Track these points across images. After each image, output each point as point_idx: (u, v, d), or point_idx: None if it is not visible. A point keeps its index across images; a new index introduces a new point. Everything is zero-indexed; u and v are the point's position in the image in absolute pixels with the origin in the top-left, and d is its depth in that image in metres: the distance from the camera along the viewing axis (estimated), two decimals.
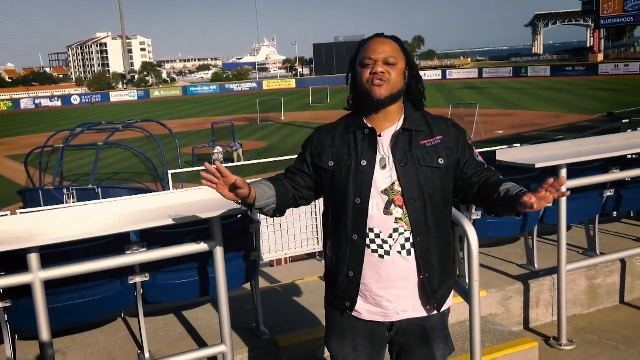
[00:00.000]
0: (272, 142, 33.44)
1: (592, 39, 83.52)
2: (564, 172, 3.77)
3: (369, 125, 2.21)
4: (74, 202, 18.86)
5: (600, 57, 77.53)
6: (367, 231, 2.17)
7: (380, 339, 2.30)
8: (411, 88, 2.25)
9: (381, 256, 2.17)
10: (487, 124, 31.66)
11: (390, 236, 2.16)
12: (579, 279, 4.41)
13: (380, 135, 2.20)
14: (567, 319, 3.98)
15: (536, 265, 4.49)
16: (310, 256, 6.49)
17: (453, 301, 3.93)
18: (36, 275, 2.65)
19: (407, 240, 2.17)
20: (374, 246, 2.17)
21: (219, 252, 3.02)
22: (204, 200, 3.26)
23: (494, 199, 2.20)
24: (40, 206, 18.79)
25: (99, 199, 18.11)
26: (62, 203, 18.26)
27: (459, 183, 2.27)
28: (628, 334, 4.12)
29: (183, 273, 3.26)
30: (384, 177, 2.16)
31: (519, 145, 8.19)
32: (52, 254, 2.80)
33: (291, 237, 6.23)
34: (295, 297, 4.26)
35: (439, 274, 2.23)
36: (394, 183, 2.15)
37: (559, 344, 3.96)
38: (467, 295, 3.10)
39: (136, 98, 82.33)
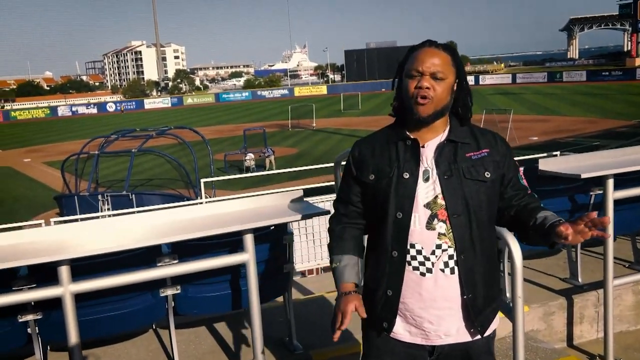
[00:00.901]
0: (303, 149, 33.46)
1: (629, 43, 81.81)
2: (610, 184, 3.60)
3: (412, 136, 2.09)
4: (108, 208, 19.18)
5: (638, 61, 75.83)
6: (408, 247, 2.04)
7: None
8: (458, 102, 2.12)
9: (422, 274, 2.04)
10: (521, 130, 31.17)
11: (433, 252, 2.03)
12: (626, 294, 4.22)
13: (423, 147, 2.08)
14: (613, 335, 3.79)
15: (580, 279, 4.30)
16: None
17: None
18: (66, 289, 2.60)
19: (450, 257, 2.03)
20: (415, 263, 2.04)
21: (251, 264, 2.94)
22: (236, 211, 3.19)
23: (529, 225, 2.07)
24: (76, 212, 19.20)
25: (133, 205, 18.40)
26: (97, 209, 18.60)
27: (499, 203, 2.14)
28: None
29: (215, 285, 3.20)
30: (427, 189, 2.04)
31: (558, 153, 7.99)
32: (83, 266, 2.76)
33: (323, 246, 6.14)
34: (329, 310, 4.15)
35: (484, 295, 2.09)
36: (437, 196, 2.03)
37: None
38: (509, 312, 2.96)
39: (170, 105, 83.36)
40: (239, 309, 3.45)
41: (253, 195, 3.92)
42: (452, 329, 2.08)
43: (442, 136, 2.10)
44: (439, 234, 2.03)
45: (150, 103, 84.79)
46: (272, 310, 4.01)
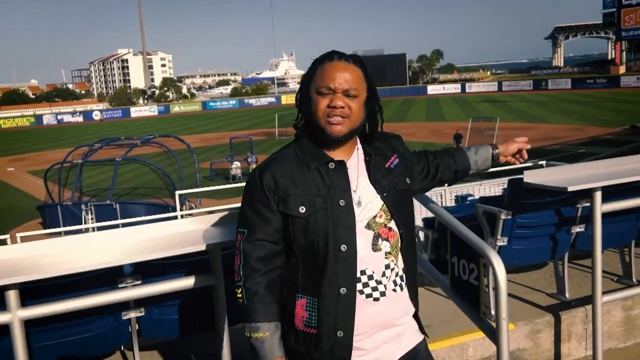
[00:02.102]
0: None
1: (613, 51, 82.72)
2: (598, 196, 3.45)
3: (336, 158, 1.91)
4: (92, 218, 18.91)
5: (622, 69, 76.61)
6: (359, 276, 1.87)
7: None
8: (369, 120, 1.97)
9: (377, 299, 1.90)
10: (508, 137, 30.36)
11: (383, 274, 1.92)
12: (615, 310, 4.07)
13: (347, 167, 1.94)
14: (602, 353, 3.64)
15: (567, 295, 4.15)
16: None
17: (477, 335, 3.65)
18: (15, 315, 2.40)
19: (397, 275, 1.96)
20: (367, 290, 1.89)
21: (219, 286, 2.76)
22: (206, 228, 3.00)
23: (468, 174, 2.37)
24: (59, 221, 18.87)
25: (117, 214, 18.16)
26: (81, 219, 18.32)
27: (424, 183, 2.25)
28: None
29: (182, 307, 2.99)
30: (364, 211, 1.90)
31: (544, 162, 7.88)
32: (37, 289, 2.56)
33: None
34: None
35: (417, 300, 2.09)
36: (375, 216, 1.91)
37: None
38: (493, 334, 2.79)
39: (156, 113, 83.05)
40: (209, 331, 3.26)
41: (228, 210, 3.73)
42: (403, 342, 1.99)
43: (357, 153, 1.98)
44: (386, 253, 1.92)
45: (136, 111, 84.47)
46: (238, 332, 3.82)
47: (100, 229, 11.36)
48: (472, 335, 3.62)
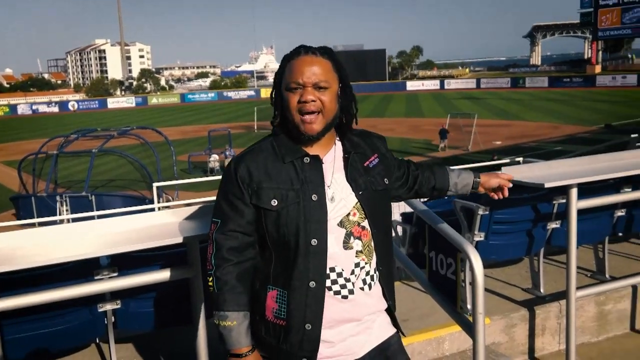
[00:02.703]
0: None
1: (589, 50, 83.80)
2: (574, 193, 3.50)
3: (310, 153, 1.91)
4: (67, 210, 18.65)
5: (598, 68, 77.65)
6: (328, 272, 1.88)
7: None
8: (342, 111, 1.96)
9: (345, 297, 1.91)
10: (485, 134, 31.45)
11: (352, 272, 1.92)
12: (588, 305, 4.13)
13: (323, 163, 1.93)
14: (575, 348, 3.70)
15: (542, 290, 4.21)
16: None
17: (453, 329, 3.68)
18: None
19: (367, 274, 1.95)
20: (336, 287, 1.90)
21: (197, 278, 2.74)
22: (184, 221, 2.98)
23: (446, 193, 2.34)
24: (33, 213, 18.58)
25: (93, 206, 17.93)
26: (55, 210, 18.06)
27: (399, 191, 2.23)
28: None
29: (159, 299, 2.97)
30: (336, 208, 1.90)
31: (520, 159, 7.96)
32: (10, 280, 2.52)
33: None
34: None
35: (392, 297, 2.08)
36: (349, 213, 1.91)
37: None
38: (469, 328, 2.82)
39: (134, 105, 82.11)
40: (185, 324, 3.24)
41: (206, 202, 3.71)
42: (372, 336, 2.00)
43: (334, 149, 1.97)
44: (357, 251, 1.92)
45: (113, 102, 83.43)
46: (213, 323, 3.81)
47: (75, 220, 11.23)
48: (449, 329, 3.65)
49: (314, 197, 1.86)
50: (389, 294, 2.04)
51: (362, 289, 1.93)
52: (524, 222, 3.94)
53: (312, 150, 1.92)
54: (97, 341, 3.56)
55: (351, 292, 1.91)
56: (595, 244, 4.51)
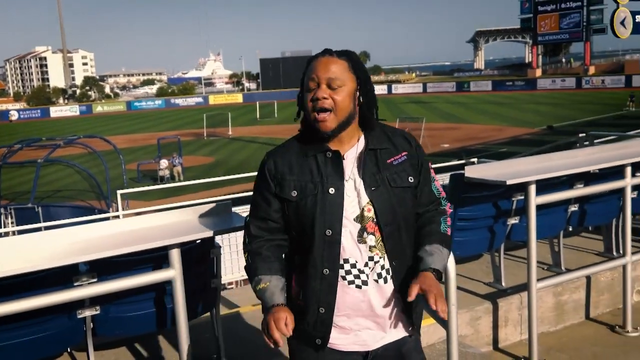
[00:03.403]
0: (219, 158, 32.98)
1: (530, 54, 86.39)
2: (532, 189, 3.69)
3: (332, 148, 2.01)
4: (12, 222, 18.05)
5: (539, 72, 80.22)
6: (342, 263, 2.00)
7: None
8: (361, 110, 2.04)
9: (359, 287, 2.01)
10: (433, 138, 32.08)
11: (366, 265, 2.01)
12: (546, 296, 4.34)
13: (344, 158, 2.02)
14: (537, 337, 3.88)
15: (503, 283, 4.40)
16: None
17: (423, 322, 3.81)
18: None
19: (382, 267, 2.02)
20: (350, 277, 2.01)
21: (178, 281, 2.78)
22: (159, 225, 3.01)
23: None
24: None
25: (39, 218, 17.38)
26: None
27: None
28: (597, 351, 4.06)
29: (138, 304, 2.99)
30: (353, 203, 2.00)
31: (475, 159, 8.22)
32: None
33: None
34: (256, 324, 4.02)
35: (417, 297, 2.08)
36: (363, 208, 2.00)
37: None
38: (442, 321, 2.95)
39: (78, 113, 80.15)
40: (164, 328, 3.27)
41: (177, 207, 3.73)
42: (387, 331, 2.09)
43: (358, 145, 2.05)
44: (370, 246, 2.01)
45: (56, 111, 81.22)
46: (196, 327, 3.83)
47: (20, 232, 10.91)
48: None
49: (331, 191, 1.97)
50: (404, 291, 2.02)
51: (376, 281, 2.01)
52: (485, 219, 4.12)
53: (335, 146, 2.02)
54: (69, 350, 3.54)
55: (365, 283, 2.00)
56: (551, 238, 4.73)
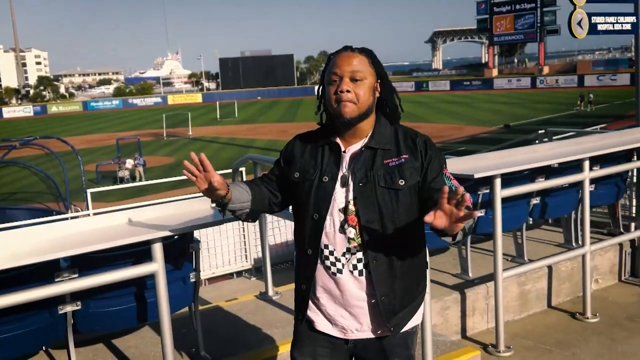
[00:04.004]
0: (180, 158, 32.63)
1: (486, 55, 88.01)
2: (498, 183, 3.85)
3: (336, 141, 2.15)
4: None
5: (495, 72, 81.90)
6: (322, 247, 2.13)
7: (340, 352, 2.23)
8: (386, 103, 2.17)
9: (334, 273, 2.13)
10: None
11: (343, 254, 2.11)
12: (511, 286, 4.52)
13: (345, 152, 2.13)
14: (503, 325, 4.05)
15: (470, 274, 4.56)
16: (239, 274, 6.30)
17: None
18: None
19: (359, 260, 2.10)
20: (327, 262, 2.14)
21: (160, 275, 2.83)
22: (139, 221, 3.05)
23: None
24: None
25: None
26: None
27: (422, 204, 2.11)
28: (559, 337, 4.25)
29: (119, 299, 3.01)
30: (342, 195, 2.10)
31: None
32: None
33: (218, 255, 6.04)
34: (232, 318, 4.09)
35: (401, 297, 2.14)
36: (349, 202, 2.09)
37: (497, 350, 4.01)
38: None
39: (32, 114, 78.26)
40: (144, 323, 3.30)
41: (152, 204, 3.77)
42: (363, 325, 2.16)
43: (364, 141, 2.13)
44: (349, 238, 2.10)
45: (9, 112, 79.13)
46: (173, 322, 3.86)
47: None
48: None
49: (325, 179, 2.12)
50: (383, 289, 2.08)
51: (351, 272, 2.11)
52: None
53: (346, 140, 2.14)
54: (43, 349, 3.53)
55: (340, 271, 2.12)
56: (514, 230, 4.92)
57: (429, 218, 1.78)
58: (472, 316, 4.34)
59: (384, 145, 2.11)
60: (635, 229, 5.39)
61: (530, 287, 4.65)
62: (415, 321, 2.26)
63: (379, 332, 2.16)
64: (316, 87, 2.25)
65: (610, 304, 4.79)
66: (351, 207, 2.08)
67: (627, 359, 3.91)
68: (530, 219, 5.36)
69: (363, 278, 2.10)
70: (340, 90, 2.06)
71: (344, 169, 2.11)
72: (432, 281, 4.47)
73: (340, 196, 2.10)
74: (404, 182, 2.07)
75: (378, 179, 2.07)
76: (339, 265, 2.12)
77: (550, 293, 4.78)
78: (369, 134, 2.13)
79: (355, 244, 2.09)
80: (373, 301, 2.12)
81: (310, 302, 2.21)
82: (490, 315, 4.35)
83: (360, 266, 2.10)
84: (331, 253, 2.12)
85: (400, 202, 2.08)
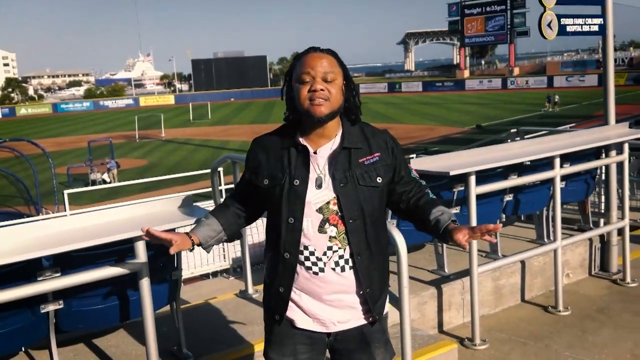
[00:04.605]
0: (153, 160, 32.42)
1: (458, 56, 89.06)
2: (473, 180, 3.95)
3: (303, 143, 2.16)
4: None
5: (467, 73, 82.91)
6: (302, 249, 2.17)
7: (320, 345, 2.28)
8: (349, 102, 2.21)
9: (316, 273, 2.18)
10: None
11: (325, 254, 2.16)
12: (486, 281, 4.62)
13: (315, 153, 2.17)
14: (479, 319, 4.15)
15: (446, 270, 4.65)
16: (215, 275, 6.32)
17: None
18: None
19: (341, 257, 2.17)
20: (308, 263, 2.17)
21: (144, 273, 2.85)
22: (122, 219, 3.07)
23: (424, 225, 2.28)
24: None
25: None
26: None
27: (390, 198, 2.30)
28: (533, 329, 4.37)
29: (102, 298, 3.03)
30: (319, 195, 2.14)
31: (413, 156, 8.55)
32: None
33: (197, 255, 6.05)
34: (213, 317, 4.12)
35: (380, 287, 2.27)
36: (329, 202, 2.14)
37: (473, 344, 4.11)
38: (396, 302, 3.14)
39: (0, 116, 76.84)
40: (127, 321, 3.32)
41: (135, 203, 3.78)
42: (347, 317, 2.23)
43: (334, 142, 2.18)
44: (330, 237, 2.16)
45: None
46: (165, 319, 3.88)
47: None
48: None
49: (296, 182, 2.12)
50: (367, 282, 2.19)
51: (333, 269, 2.16)
52: None
53: (313, 140, 2.16)
54: (24, 349, 3.52)
55: (322, 270, 2.16)
56: None
57: (461, 237, 2.11)
58: (448, 311, 4.44)
59: (356, 144, 2.18)
60: (604, 224, 5.55)
61: (504, 282, 4.76)
62: (387, 306, 2.37)
63: (362, 322, 2.25)
64: (282, 88, 2.24)
65: (581, 298, 4.93)
66: (331, 207, 2.13)
67: (597, 348, 4.04)
68: (504, 215, 5.49)
69: (346, 273, 2.18)
70: (314, 89, 2.09)
71: (318, 170, 2.15)
72: (409, 277, 4.56)
73: (315, 197, 2.13)
74: (381, 180, 2.18)
75: (358, 178, 2.15)
76: (320, 264, 2.16)
77: (524, 287, 4.90)
78: (339, 134, 2.19)
79: (337, 242, 2.15)
80: (357, 294, 2.21)
81: (290, 302, 2.23)
82: (466, 310, 4.45)
83: (342, 262, 2.17)
84: (312, 253, 2.15)
85: (376, 199, 2.19)
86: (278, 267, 2.20)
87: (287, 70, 2.24)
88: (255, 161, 2.24)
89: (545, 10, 4.69)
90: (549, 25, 4.69)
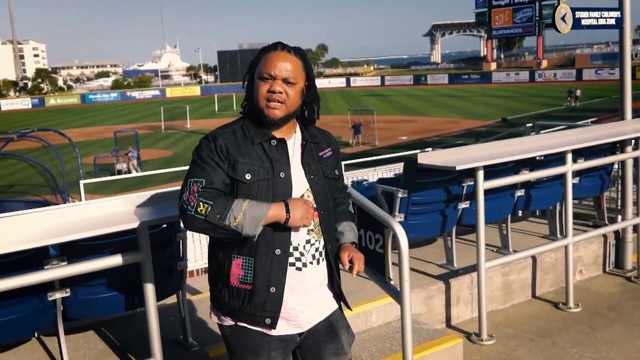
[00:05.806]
0: (177, 151, 32.73)
1: (485, 48, 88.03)
2: (480, 175, 3.93)
3: (277, 135, 2.15)
4: None
5: (493, 65, 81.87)
6: (291, 244, 2.15)
7: (291, 345, 2.27)
8: (307, 106, 2.21)
9: (299, 269, 2.17)
10: (390, 130, 32.54)
11: (304, 247, 2.18)
12: (495, 276, 4.60)
13: (286, 144, 2.18)
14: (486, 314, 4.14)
15: (455, 264, 4.64)
16: None
17: (379, 302, 4.02)
18: None
19: (316, 250, 2.21)
20: (291, 259, 2.16)
21: (146, 263, 2.90)
22: (127, 209, 3.11)
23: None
24: None
25: None
26: None
27: None
28: (541, 325, 4.34)
29: (107, 287, 3.10)
30: (296, 187, 2.15)
31: (430, 149, 8.51)
32: None
33: (206, 246, 6.10)
34: None
35: (338, 271, 2.33)
36: (303, 194, 2.16)
37: (480, 339, 4.11)
38: (397, 295, 3.15)
39: (30, 106, 78.24)
40: (132, 310, 3.38)
41: (143, 194, 3.82)
42: (318, 310, 2.25)
43: (295, 136, 2.22)
44: (308, 229, 2.17)
45: (7, 104, 79.07)
46: (161, 311, 3.92)
47: None
48: (375, 303, 3.98)
49: (282, 175, 2.11)
50: (337, 269, 2.27)
51: (311, 263, 2.18)
52: (437, 203, 4.35)
53: (277, 134, 2.16)
54: (38, 336, 3.62)
55: (304, 265, 2.17)
56: (499, 222, 5.00)
57: (344, 260, 2.27)
58: (456, 305, 4.43)
59: (314, 138, 2.26)
60: (620, 221, 5.47)
61: (514, 277, 4.73)
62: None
63: (332, 309, 2.30)
64: (243, 78, 2.20)
65: (592, 294, 4.88)
66: (307, 199, 2.15)
67: (605, 346, 4.00)
68: (520, 211, 5.45)
69: (321, 266, 2.23)
70: (272, 90, 2.09)
71: (293, 162, 2.16)
72: (417, 271, 4.59)
73: (296, 190, 2.14)
74: (337, 172, 2.31)
75: (323, 170, 2.22)
76: (303, 259, 2.16)
77: (535, 283, 4.87)
78: (297, 129, 2.24)
79: (314, 234, 2.18)
80: (328, 284, 2.28)
81: (282, 302, 2.14)
82: (475, 305, 4.43)
83: (317, 255, 2.20)
84: (295, 249, 2.15)
85: (334, 190, 2.33)
86: (266, 266, 2.09)
87: (252, 60, 2.20)
88: (230, 155, 2.07)
89: (559, 3, 4.63)
90: (562, 18, 4.63)
